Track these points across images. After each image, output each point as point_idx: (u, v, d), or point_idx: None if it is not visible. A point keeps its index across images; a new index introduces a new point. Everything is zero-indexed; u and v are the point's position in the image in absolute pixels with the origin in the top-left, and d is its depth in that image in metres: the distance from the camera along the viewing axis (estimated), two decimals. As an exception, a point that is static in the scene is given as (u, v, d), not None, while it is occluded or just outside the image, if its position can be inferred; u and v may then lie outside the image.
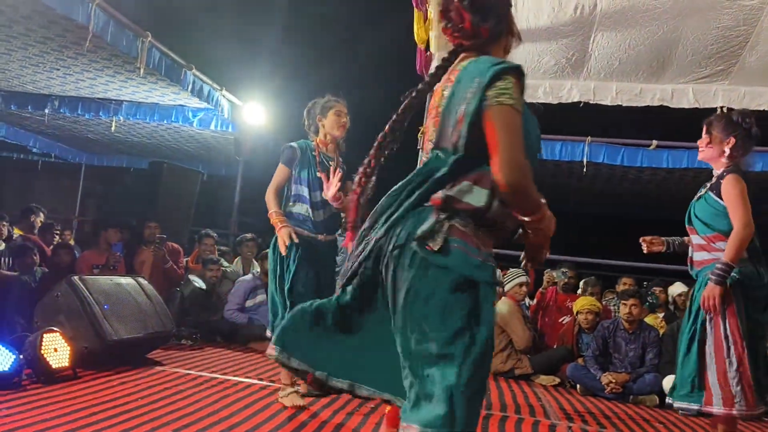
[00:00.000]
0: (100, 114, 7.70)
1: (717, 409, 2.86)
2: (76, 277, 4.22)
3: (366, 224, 1.81)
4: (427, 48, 6.12)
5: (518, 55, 6.31)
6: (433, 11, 4.85)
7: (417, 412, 1.60)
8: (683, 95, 5.61)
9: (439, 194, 1.69)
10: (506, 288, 5.99)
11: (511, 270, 6.22)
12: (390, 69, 7.76)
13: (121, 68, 6.27)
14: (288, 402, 3.55)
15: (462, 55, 1.86)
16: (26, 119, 8.90)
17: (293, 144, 3.76)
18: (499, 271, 7.00)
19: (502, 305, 5.79)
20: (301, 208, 3.68)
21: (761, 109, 5.57)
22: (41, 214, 7.28)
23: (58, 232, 7.66)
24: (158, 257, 6.11)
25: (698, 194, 3.14)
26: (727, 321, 2.88)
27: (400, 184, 1.79)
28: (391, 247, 1.71)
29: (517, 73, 1.70)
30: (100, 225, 6.44)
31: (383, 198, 1.81)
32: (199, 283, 6.11)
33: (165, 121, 7.75)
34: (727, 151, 3.01)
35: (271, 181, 3.70)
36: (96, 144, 10.41)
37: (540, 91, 6.24)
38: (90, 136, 9.69)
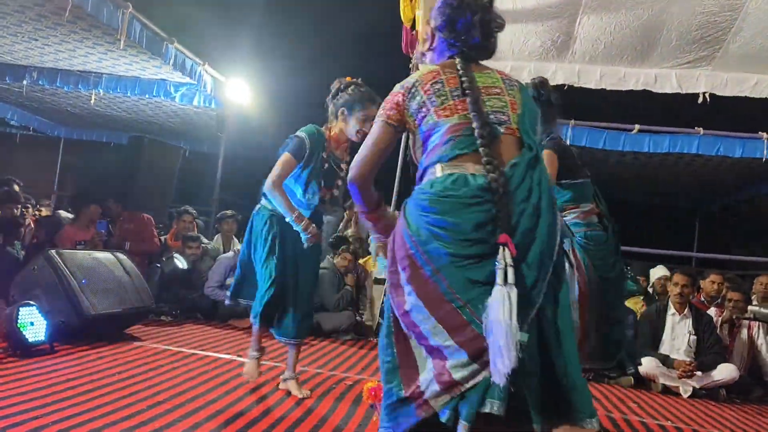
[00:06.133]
0: (79, 86, 7.55)
1: None
2: (53, 251, 4.18)
3: None
4: (413, 27, 6.07)
5: (504, 36, 6.29)
6: None
7: None
8: (666, 80, 5.64)
9: None
10: None
11: None
12: (375, 46, 7.69)
13: (101, 40, 6.14)
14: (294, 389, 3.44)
15: None
16: (4, 91, 8.73)
17: (303, 136, 3.16)
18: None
19: None
20: None
21: (743, 95, 5.62)
22: (16, 187, 7.14)
23: (30, 206, 7.53)
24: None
25: None
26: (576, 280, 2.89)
27: None
28: None
29: None
30: (80, 201, 6.34)
31: None
32: (181, 261, 6.06)
33: (146, 96, 7.63)
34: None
35: (276, 172, 3.11)
36: (75, 117, 10.24)
37: (525, 73, 6.21)
38: (69, 109, 9.53)
